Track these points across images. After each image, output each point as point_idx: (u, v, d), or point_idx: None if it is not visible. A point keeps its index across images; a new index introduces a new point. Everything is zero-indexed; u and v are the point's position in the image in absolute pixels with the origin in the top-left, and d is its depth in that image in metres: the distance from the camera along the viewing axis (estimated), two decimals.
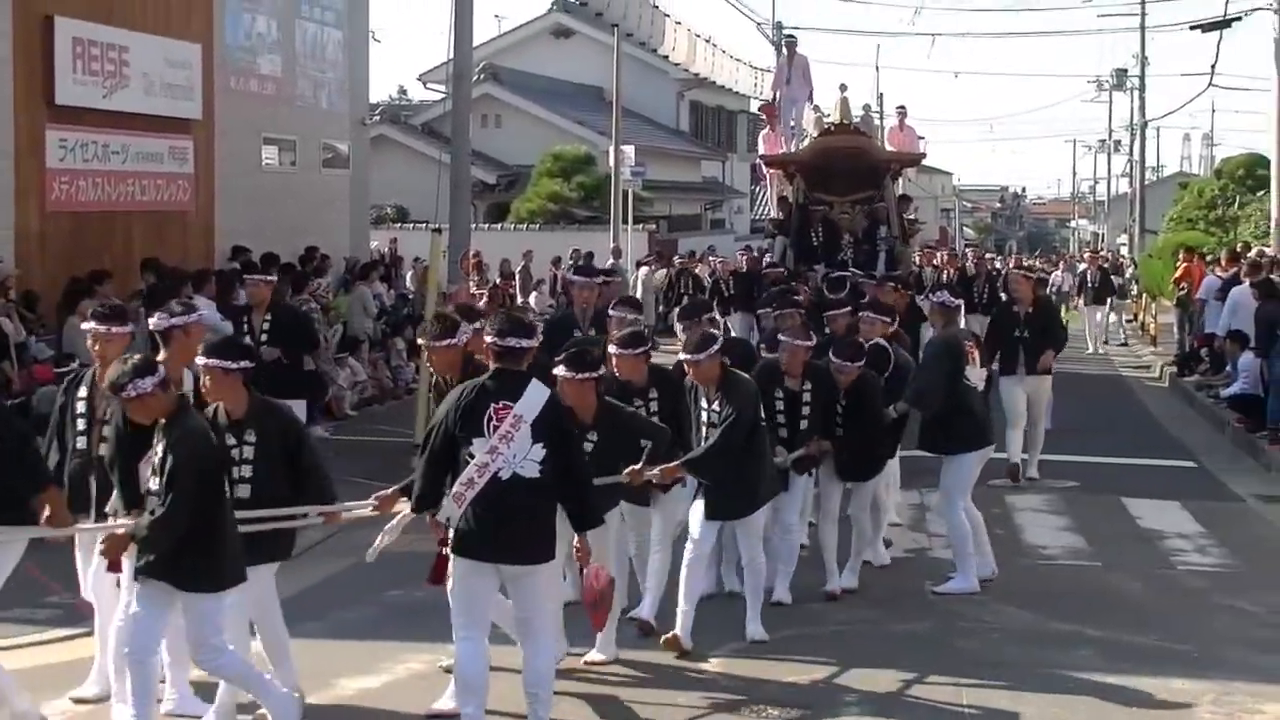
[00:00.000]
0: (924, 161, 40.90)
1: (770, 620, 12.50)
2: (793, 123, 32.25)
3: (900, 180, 31.84)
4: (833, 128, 30.25)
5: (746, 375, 12.44)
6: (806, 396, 13.31)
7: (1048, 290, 32.95)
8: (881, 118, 32.98)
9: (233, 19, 26.53)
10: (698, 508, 12.19)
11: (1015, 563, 15.27)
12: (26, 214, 21.44)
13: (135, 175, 23.45)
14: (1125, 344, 43.05)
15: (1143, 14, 71.37)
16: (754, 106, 37.92)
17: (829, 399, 13.46)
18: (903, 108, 34.16)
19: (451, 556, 9.76)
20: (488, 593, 9.80)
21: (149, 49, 23.62)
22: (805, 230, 29.29)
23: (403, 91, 74.71)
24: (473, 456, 9.53)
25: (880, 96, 38.49)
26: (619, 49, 43.58)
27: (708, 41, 53.38)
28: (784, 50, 34.86)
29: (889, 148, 32.17)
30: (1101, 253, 60.87)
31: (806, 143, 30.89)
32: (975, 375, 14.56)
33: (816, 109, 31.77)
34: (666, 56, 48.29)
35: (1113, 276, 44.73)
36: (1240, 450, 22.95)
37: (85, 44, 22.22)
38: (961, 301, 15.88)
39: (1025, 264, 36.78)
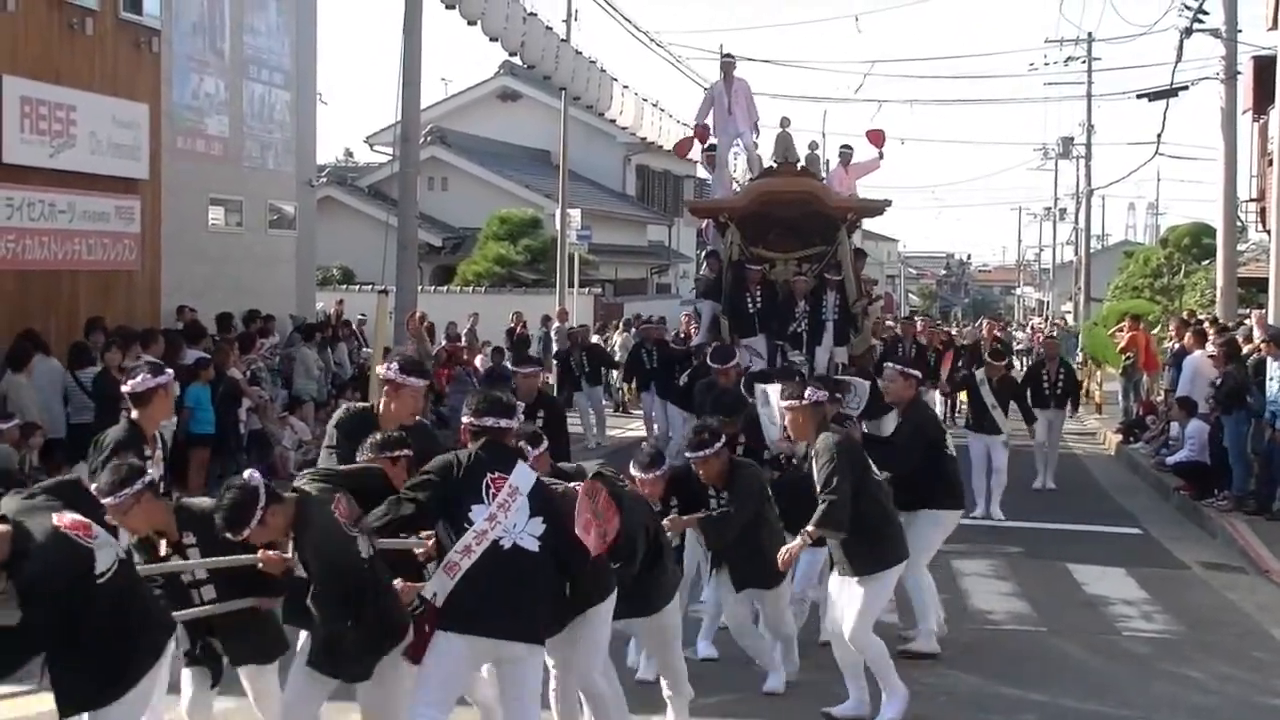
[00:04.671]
0: (869, 223, 39.52)
1: (712, 682, 12.51)
2: (734, 157, 28.31)
3: (855, 234, 27.70)
4: (775, 166, 26.06)
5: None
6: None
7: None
8: (827, 166, 30.66)
9: (180, 80, 26.51)
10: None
11: (961, 628, 15.28)
12: None
13: (81, 234, 23.35)
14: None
15: (1089, 82, 72.02)
16: (700, 171, 37.50)
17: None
18: (848, 147, 29.57)
19: (437, 631, 8.92)
20: (468, 672, 9.26)
21: (97, 109, 23.57)
22: (740, 294, 24.79)
23: (349, 154, 74.89)
24: (471, 523, 8.89)
25: (826, 162, 37.62)
26: (566, 112, 43.68)
27: (655, 106, 53.40)
28: (720, 74, 28.40)
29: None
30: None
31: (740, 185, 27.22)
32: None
33: (756, 144, 27.69)
34: (613, 120, 48.22)
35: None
36: (1185, 517, 23.04)
37: (34, 103, 22.16)
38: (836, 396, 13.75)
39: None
